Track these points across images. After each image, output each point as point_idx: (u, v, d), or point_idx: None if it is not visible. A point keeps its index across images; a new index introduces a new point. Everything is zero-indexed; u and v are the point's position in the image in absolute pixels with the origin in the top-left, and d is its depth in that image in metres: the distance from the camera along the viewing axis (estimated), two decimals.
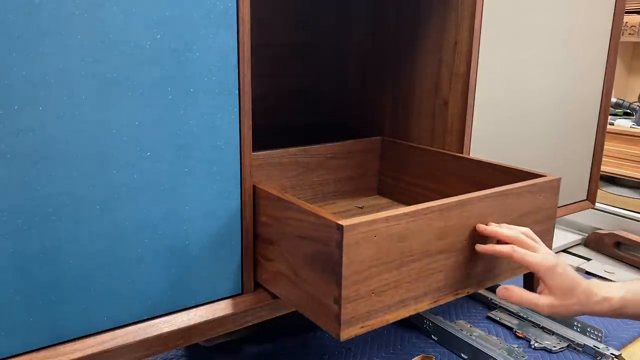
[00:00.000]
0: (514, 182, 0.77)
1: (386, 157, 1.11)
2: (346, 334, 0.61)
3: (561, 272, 0.69)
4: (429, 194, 0.99)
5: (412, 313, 0.68)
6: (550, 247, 0.81)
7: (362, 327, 0.63)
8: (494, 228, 0.71)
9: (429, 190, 1.00)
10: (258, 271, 0.74)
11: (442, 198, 0.69)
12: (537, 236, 0.74)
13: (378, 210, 1.03)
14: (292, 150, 0.99)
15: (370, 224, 0.60)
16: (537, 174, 0.81)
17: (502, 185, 0.76)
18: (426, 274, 0.68)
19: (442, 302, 0.71)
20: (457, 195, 0.70)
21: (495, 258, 0.75)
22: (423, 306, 0.69)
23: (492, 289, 1.26)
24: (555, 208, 0.82)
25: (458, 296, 0.73)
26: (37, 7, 0.53)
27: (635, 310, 0.71)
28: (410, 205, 0.66)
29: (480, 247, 0.72)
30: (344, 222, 0.58)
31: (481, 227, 0.71)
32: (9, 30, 0.52)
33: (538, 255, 0.70)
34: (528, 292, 0.70)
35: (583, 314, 0.71)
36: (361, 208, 1.05)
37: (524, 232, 0.72)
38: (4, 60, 0.52)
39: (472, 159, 0.92)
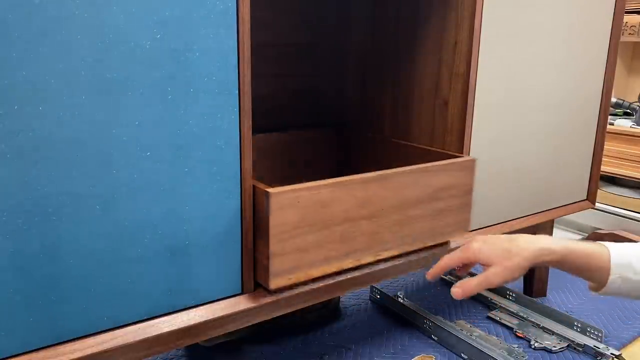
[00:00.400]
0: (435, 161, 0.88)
1: (341, 145, 1.23)
2: (274, 283, 0.71)
3: (485, 245, 0.77)
4: None
5: (335, 270, 0.78)
6: (466, 221, 0.93)
7: (289, 279, 0.72)
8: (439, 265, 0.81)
9: None
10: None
11: None
12: (453, 208, 0.89)
13: None
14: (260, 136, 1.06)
15: (295, 192, 0.70)
16: (454, 155, 0.93)
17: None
18: (349, 237, 0.77)
19: (363, 262, 0.81)
20: None
21: (412, 225, 0.85)
22: (346, 264, 0.78)
23: (493, 289, 1.26)
24: (471, 185, 0.92)
25: (378, 257, 0.82)
26: (37, 7, 0.53)
27: (571, 268, 0.76)
28: None
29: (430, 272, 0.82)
30: (270, 190, 0.68)
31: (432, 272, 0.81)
32: (9, 30, 0.52)
33: (462, 249, 0.79)
34: (473, 277, 0.76)
35: (527, 268, 0.75)
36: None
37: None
38: (4, 60, 0.52)
39: (406, 145, 1.04)
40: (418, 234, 0.87)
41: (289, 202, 0.70)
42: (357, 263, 0.80)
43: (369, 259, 0.81)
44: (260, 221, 0.71)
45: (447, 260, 0.80)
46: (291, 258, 0.72)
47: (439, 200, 0.87)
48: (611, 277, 0.73)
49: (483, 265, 0.77)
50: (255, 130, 0.72)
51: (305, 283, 0.77)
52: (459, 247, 0.96)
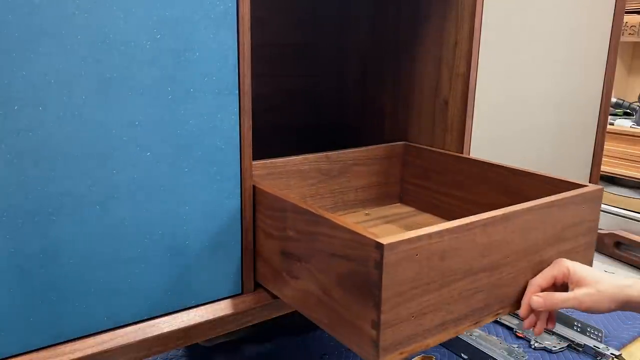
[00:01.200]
0: (541, 189, 0.75)
1: (409, 163, 1.05)
2: None
3: (579, 264, 0.68)
4: (454, 202, 0.94)
5: (452, 336, 0.63)
6: (590, 263, 0.80)
7: (402, 353, 0.58)
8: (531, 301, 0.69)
9: (454, 198, 0.94)
10: (283, 289, 0.70)
11: (467, 205, 0.65)
12: (580, 249, 0.75)
13: (402, 220, 0.99)
14: (312, 156, 0.94)
15: (412, 242, 0.55)
16: (577, 184, 0.75)
17: (533, 193, 0.73)
18: (468, 294, 0.63)
19: (483, 324, 0.66)
20: (484, 202, 0.67)
21: (537, 272, 0.71)
22: (463, 328, 0.64)
23: None
24: (598, 219, 0.77)
25: (497, 316, 0.68)
26: (37, 7, 0.53)
27: None
28: (434, 213, 0.62)
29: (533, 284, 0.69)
30: (384, 240, 0.53)
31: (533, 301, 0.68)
32: (9, 30, 0.52)
33: (552, 265, 0.69)
34: (560, 292, 0.68)
35: (619, 302, 0.66)
36: (368, 215, 1.02)
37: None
38: (4, 60, 0.52)
39: (500, 165, 0.86)
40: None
41: (405, 255, 0.55)
42: (475, 327, 0.66)
43: (488, 319, 0.67)
44: (364, 278, 0.56)
45: (540, 281, 0.68)
46: (406, 327, 0.57)
47: (565, 241, 0.72)
48: None
49: (572, 284, 0.68)
50: (255, 130, 0.71)
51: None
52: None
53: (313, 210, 0.62)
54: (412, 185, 1.04)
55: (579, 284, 0.67)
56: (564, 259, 0.69)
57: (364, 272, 0.55)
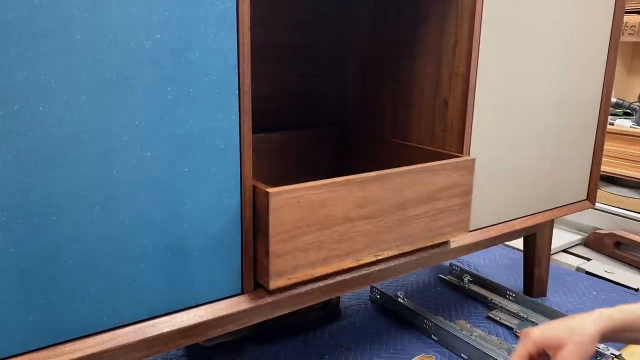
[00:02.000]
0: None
1: (342, 145, 1.23)
2: (274, 284, 0.71)
3: (548, 328, 0.69)
4: None
5: (336, 269, 0.78)
6: (467, 220, 0.93)
7: (289, 279, 0.72)
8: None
9: None
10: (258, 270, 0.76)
11: None
12: (455, 208, 0.89)
13: None
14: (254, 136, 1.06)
15: (293, 192, 0.70)
16: (455, 155, 0.93)
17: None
18: (348, 236, 0.77)
19: (363, 262, 0.81)
20: None
21: (412, 225, 0.85)
22: (346, 263, 0.78)
23: (493, 289, 1.26)
24: (470, 185, 0.92)
25: (378, 257, 0.82)
26: (37, 7, 0.53)
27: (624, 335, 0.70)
28: None
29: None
30: (270, 190, 0.68)
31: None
32: (9, 30, 0.52)
33: (521, 342, 0.70)
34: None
35: (596, 339, 0.68)
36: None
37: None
38: (4, 60, 0.52)
39: (408, 145, 1.04)
40: (418, 234, 0.86)
41: (288, 201, 0.70)
42: (356, 263, 0.80)
43: (369, 259, 0.81)
44: (260, 221, 0.70)
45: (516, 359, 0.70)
46: (291, 258, 0.72)
47: (438, 201, 0.87)
48: None
49: (550, 350, 0.68)
50: (255, 130, 0.72)
51: (305, 283, 0.77)
52: (459, 246, 0.96)
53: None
54: (344, 165, 1.23)
55: (555, 344, 0.67)
56: (530, 331, 0.70)
57: (261, 216, 0.70)
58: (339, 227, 0.76)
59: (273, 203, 0.68)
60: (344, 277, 0.81)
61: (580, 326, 0.68)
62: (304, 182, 0.72)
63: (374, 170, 0.80)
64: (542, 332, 0.69)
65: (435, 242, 0.90)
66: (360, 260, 0.80)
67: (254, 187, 0.71)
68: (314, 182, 0.72)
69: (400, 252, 0.85)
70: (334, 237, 0.76)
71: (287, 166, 1.18)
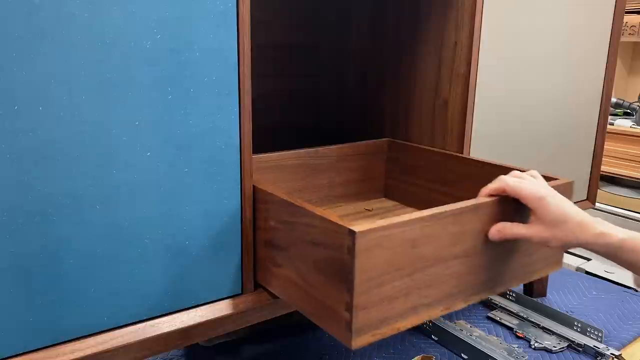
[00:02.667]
0: None
1: (393, 159, 1.08)
2: (358, 342, 0.59)
3: (551, 202, 0.68)
4: (437, 197, 0.96)
5: (424, 320, 0.67)
6: (561, 252, 0.83)
7: (374, 335, 0.61)
8: (494, 185, 0.71)
9: (437, 193, 0.97)
10: (268, 279, 0.73)
11: (449, 200, 0.67)
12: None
13: (386, 213, 1.02)
14: (301, 152, 0.97)
15: (383, 230, 0.58)
16: (550, 177, 0.79)
17: None
18: (439, 281, 0.66)
19: (453, 309, 0.69)
20: (465, 196, 0.68)
21: (506, 264, 0.73)
22: (436, 313, 0.67)
23: None
24: None
25: (469, 302, 0.71)
26: (37, 7, 0.53)
27: (630, 258, 0.68)
28: (419, 208, 0.64)
29: (481, 193, 0.71)
30: (356, 228, 0.56)
31: (485, 190, 0.71)
32: (9, 30, 0.52)
33: (529, 185, 0.70)
34: (518, 224, 0.69)
35: (576, 246, 0.69)
36: (370, 210, 1.04)
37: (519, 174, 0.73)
38: (4, 60, 0.52)
39: (480, 161, 0.90)
40: (512, 271, 0.75)
41: (376, 242, 0.58)
42: (447, 311, 0.68)
43: (460, 305, 0.69)
44: (339, 264, 0.59)
45: (515, 186, 0.69)
46: (378, 310, 0.60)
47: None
48: None
49: (534, 214, 0.69)
50: (255, 130, 0.71)
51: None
52: None
53: (294, 202, 0.66)
54: (396, 180, 1.08)
55: (539, 219, 0.68)
56: (540, 188, 0.70)
57: (338, 258, 0.58)
58: (430, 269, 0.64)
59: (361, 244, 0.56)
60: None
61: (573, 230, 0.67)
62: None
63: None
64: (546, 199, 0.68)
65: (527, 281, 0.80)
66: (450, 308, 0.68)
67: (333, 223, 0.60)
68: (405, 217, 0.61)
69: (495, 293, 0.75)
70: (424, 282, 0.64)
71: (312, 185, 1.04)
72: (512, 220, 0.70)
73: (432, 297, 0.65)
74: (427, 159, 1.00)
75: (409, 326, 0.65)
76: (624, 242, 0.67)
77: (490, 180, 0.74)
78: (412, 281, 0.63)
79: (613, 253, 0.68)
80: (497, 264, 0.72)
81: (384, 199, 1.11)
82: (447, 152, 0.97)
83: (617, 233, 0.68)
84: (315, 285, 0.63)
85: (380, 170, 1.10)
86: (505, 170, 0.84)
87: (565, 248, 0.69)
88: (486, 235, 0.69)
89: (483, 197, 0.70)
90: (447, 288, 0.67)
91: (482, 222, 0.68)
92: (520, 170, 0.78)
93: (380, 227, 0.58)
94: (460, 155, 0.94)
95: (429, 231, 0.62)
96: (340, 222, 0.58)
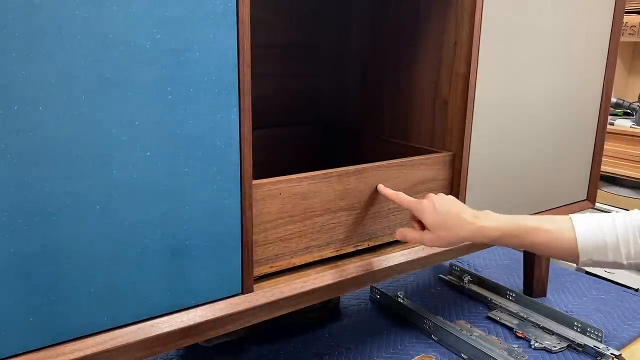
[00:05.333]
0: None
1: (329, 143, 1.24)
2: (257, 271, 0.74)
3: (431, 209, 0.79)
4: None
5: (317, 259, 0.81)
6: None
7: (272, 267, 0.77)
8: (388, 192, 0.85)
9: None
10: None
11: None
12: None
13: None
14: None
15: (276, 183, 0.74)
16: (433, 150, 0.97)
17: None
18: (329, 227, 0.82)
19: (344, 251, 0.85)
20: None
21: (390, 217, 0.89)
22: (327, 253, 0.82)
23: (493, 289, 1.26)
24: (448, 179, 0.97)
25: (358, 247, 0.86)
26: (37, 7, 0.53)
27: (512, 244, 0.78)
28: None
29: (380, 187, 0.85)
30: (254, 182, 0.70)
31: (381, 188, 0.86)
32: (9, 30, 0.52)
33: (413, 199, 0.83)
34: (414, 230, 0.82)
35: (462, 242, 0.79)
36: None
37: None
38: (4, 60, 0.52)
39: (391, 141, 1.07)
40: (396, 226, 0.89)
41: (270, 193, 0.74)
42: (337, 252, 0.84)
43: (349, 249, 0.85)
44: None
45: (402, 199, 0.83)
46: (274, 247, 0.76)
47: (417, 194, 0.90)
48: (581, 260, 0.74)
49: (418, 217, 0.81)
50: (255, 130, 0.72)
51: (288, 270, 0.80)
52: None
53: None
54: (330, 160, 1.19)
55: (426, 225, 0.80)
56: (428, 199, 0.81)
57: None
58: (319, 218, 0.80)
59: (256, 194, 0.72)
60: (343, 277, 0.81)
61: (453, 227, 0.77)
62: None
63: None
64: (424, 210, 0.79)
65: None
66: (340, 250, 0.84)
67: None
68: (295, 175, 0.76)
69: (380, 242, 0.89)
70: (315, 228, 0.80)
71: (277, 164, 1.18)
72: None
73: (322, 240, 0.82)
74: (353, 141, 1.18)
75: (303, 262, 0.80)
76: (502, 234, 0.77)
77: (396, 156, 0.92)
78: (304, 226, 0.79)
79: (497, 243, 0.79)
80: (383, 219, 0.89)
81: None
82: (372, 135, 1.13)
83: (497, 225, 0.77)
84: None
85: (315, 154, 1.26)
86: (407, 147, 1.03)
87: (454, 245, 0.80)
88: (370, 195, 0.85)
89: (381, 193, 0.86)
90: (335, 234, 0.83)
91: (363, 183, 0.84)
92: (424, 149, 0.99)
93: (273, 181, 0.74)
94: (380, 137, 1.12)
95: (316, 187, 0.79)
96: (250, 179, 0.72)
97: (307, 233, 0.79)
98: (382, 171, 0.86)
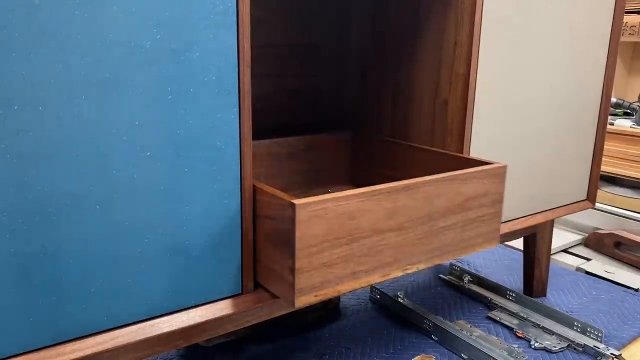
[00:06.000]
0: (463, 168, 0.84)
1: (358, 150, 1.18)
2: (300, 301, 0.67)
3: None
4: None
5: (364, 285, 0.74)
6: (497, 231, 0.88)
7: (316, 295, 0.69)
8: None
9: (393, 180, 1.03)
10: (265, 276, 0.75)
11: None
12: (485, 219, 0.84)
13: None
14: (265, 142, 1.04)
15: (321, 203, 0.66)
16: (484, 162, 0.87)
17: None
18: (376, 250, 0.74)
19: (392, 276, 0.77)
20: None
21: (442, 236, 0.81)
22: (374, 279, 0.75)
23: (493, 289, 1.26)
24: (502, 194, 0.87)
25: (407, 271, 0.78)
26: (37, 7, 0.53)
27: None
28: None
29: None
30: (296, 201, 0.64)
31: None
32: (9, 30, 0.52)
33: None
34: None
35: None
36: (330, 192, 1.11)
37: None
38: (4, 60, 0.52)
39: (435, 151, 0.97)
40: (447, 246, 0.82)
41: (315, 213, 0.66)
42: (385, 278, 0.76)
43: (397, 273, 0.77)
44: (283, 234, 0.67)
45: None
46: (318, 273, 0.68)
47: (469, 210, 0.83)
48: None
49: None
50: (261, 135, 0.72)
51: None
52: None
53: (261, 187, 0.71)
54: (360, 170, 1.18)
55: None
56: None
57: (283, 228, 0.67)
58: (367, 240, 0.72)
59: (300, 215, 0.64)
60: None
61: None
62: (320, 189, 0.72)
63: (394, 177, 0.80)
64: None
65: (464, 254, 0.86)
66: (388, 275, 0.76)
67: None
68: (342, 193, 0.69)
69: (429, 265, 0.81)
70: (362, 251, 0.72)
71: (295, 173, 1.16)
72: None
73: (369, 265, 0.73)
74: (386, 149, 1.09)
75: (349, 289, 0.72)
76: None
77: (433, 165, 0.87)
78: (350, 249, 0.71)
79: None
80: (433, 238, 0.80)
81: (350, 185, 1.19)
82: (404, 142, 1.04)
83: None
84: (267, 254, 0.71)
85: (346, 161, 1.21)
86: (449, 157, 0.94)
87: None
88: (418, 213, 0.77)
89: None
90: (384, 257, 0.75)
91: (413, 199, 0.76)
92: (475, 160, 0.87)
93: (319, 200, 0.66)
94: (414, 145, 1.03)
95: (364, 206, 0.71)
96: (285, 197, 0.66)
97: (354, 257, 0.71)
98: (433, 186, 0.77)
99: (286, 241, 0.66)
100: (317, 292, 0.69)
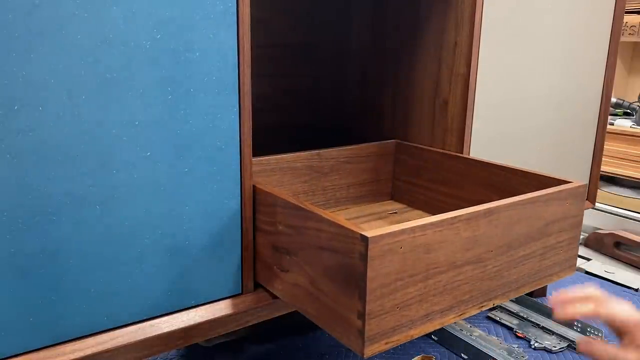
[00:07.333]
0: (531, 187, 0.75)
1: (400, 160, 1.06)
2: (370, 351, 0.57)
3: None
4: (443, 199, 0.95)
5: (437, 327, 0.64)
6: (574, 258, 0.80)
7: (387, 343, 0.59)
8: (571, 311, 0.59)
9: (443, 195, 0.96)
10: (274, 283, 0.72)
11: (457, 202, 0.66)
12: (563, 244, 0.73)
13: (393, 216, 1.01)
14: (305, 154, 0.96)
15: (396, 235, 0.56)
16: (561, 180, 0.76)
17: (519, 189, 0.74)
18: (452, 286, 0.64)
19: (467, 315, 0.67)
20: (474, 199, 0.67)
21: (521, 267, 0.71)
22: (448, 320, 0.65)
23: None
24: (582, 215, 0.78)
25: (483, 308, 0.69)
26: (37, 7, 0.53)
27: None
28: (427, 211, 0.63)
29: (560, 315, 0.60)
30: (368, 233, 0.54)
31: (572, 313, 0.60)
32: (9, 30, 0.52)
33: (625, 308, 0.59)
34: (612, 347, 0.58)
35: None
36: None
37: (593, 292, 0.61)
38: (4, 60, 0.52)
39: (487, 163, 0.88)
40: (525, 277, 0.73)
41: (389, 247, 0.56)
42: (459, 318, 0.67)
43: (473, 311, 0.68)
44: (350, 271, 0.57)
45: (604, 312, 0.58)
46: (391, 318, 0.59)
47: (549, 236, 0.74)
48: None
49: (625, 333, 0.57)
50: (255, 130, 0.71)
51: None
52: None
53: (302, 206, 0.64)
54: (402, 182, 1.06)
55: (633, 340, 0.57)
56: (610, 299, 0.59)
57: (349, 264, 0.57)
58: (443, 275, 0.62)
59: (372, 250, 0.54)
60: None
61: None
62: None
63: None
64: (623, 311, 0.57)
65: (541, 285, 0.78)
66: (463, 314, 0.67)
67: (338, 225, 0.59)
68: (418, 222, 0.59)
69: (507, 300, 0.73)
70: (437, 289, 0.62)
71: (320, 188, 1.03)
72: None
73: (445, 304, 0.64)
74: (435, 160, 0.98)
75: (422, 334, 0.63)
76: None
77: (491, 180, 0.72)
78: (425, 287, 0.61)
79: None
80: (511, 269, 0.70)
81: (391, 201, 1.08)
82: (454, 153, 0.95)
83: None
84: (326, 292, 0.61)
85: (388, 172, 1.08)
86: (509, 171, 0.84)
87: None
88: (499, 241, 0.67)
89: (569, 317, 0.59)
90: (460, 294, 0.65)
91: (494, 226, 0.66)
92: (545, 177, 0.77)
93: (393, 232, 0.56)
94: (467, 156, 0.93)
95: (441, 236, 0.61)
96: (352, 227, 0.56)
97: (429, 296, 0.62)
98: (514, 210, 0.68)
99: (354, 280, 0.56)
100: (389, 339, 0.59)
